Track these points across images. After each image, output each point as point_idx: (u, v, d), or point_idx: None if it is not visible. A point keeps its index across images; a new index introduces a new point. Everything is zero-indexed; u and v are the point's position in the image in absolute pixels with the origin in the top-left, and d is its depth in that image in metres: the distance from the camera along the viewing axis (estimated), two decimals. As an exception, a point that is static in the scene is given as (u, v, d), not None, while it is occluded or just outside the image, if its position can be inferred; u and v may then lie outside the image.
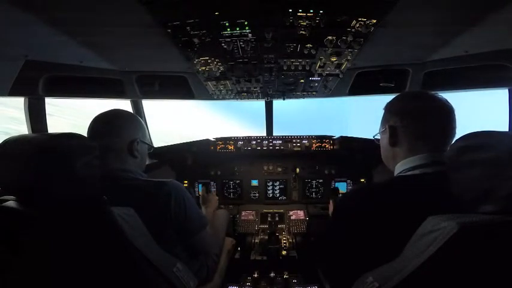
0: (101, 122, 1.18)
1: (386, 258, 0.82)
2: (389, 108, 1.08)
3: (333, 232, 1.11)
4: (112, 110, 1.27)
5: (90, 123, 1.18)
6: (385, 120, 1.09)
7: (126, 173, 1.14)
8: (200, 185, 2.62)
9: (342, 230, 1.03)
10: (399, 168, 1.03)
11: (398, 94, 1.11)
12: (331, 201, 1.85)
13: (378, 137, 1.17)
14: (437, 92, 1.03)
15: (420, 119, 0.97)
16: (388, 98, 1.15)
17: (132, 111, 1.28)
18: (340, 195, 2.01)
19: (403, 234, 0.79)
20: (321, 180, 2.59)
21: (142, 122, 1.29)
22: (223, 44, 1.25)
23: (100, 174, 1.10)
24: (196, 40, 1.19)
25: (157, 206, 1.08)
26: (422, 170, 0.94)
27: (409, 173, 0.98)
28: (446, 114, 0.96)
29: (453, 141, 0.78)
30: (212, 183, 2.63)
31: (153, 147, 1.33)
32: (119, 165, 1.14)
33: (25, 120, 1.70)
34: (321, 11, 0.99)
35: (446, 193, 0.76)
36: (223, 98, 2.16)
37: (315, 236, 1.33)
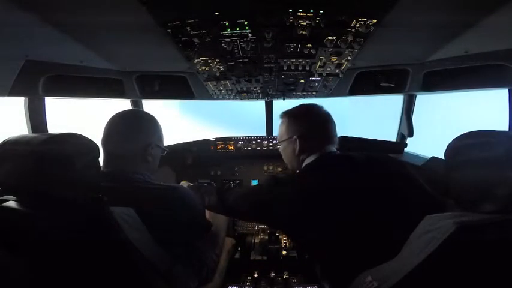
0: (118, 122, 1.19)
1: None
2: (294, 120, 1.32)
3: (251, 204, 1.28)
4: (130, 110, 1.26)
5: (107, 122, 1.18)
6: (290, 130, 1.32)
7: (137, 175, 1.14)
8: None
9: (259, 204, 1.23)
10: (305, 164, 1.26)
11: (298, 107, 1.38)
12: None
13: (279, 144, 1.39)
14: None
15: (320, 127, 1.28)
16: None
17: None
18: None
19: (320, 206, 1.04)
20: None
21: (160, 125, 1.28)
22: (223, 44, 1.25)
23: (111, 173, 1.11)
24: (196, 40, 1.19)
25: (166, 211, 1.08)
26: (324, 155, 1.23)
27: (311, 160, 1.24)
28: (331, 120, 1.32)
29: (451, 141, 0.78)
30: (213, 183, 2.63)
31: (167, 150, 1.32)
32: (130, 167, 1.14)
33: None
34: (321, 11, 0.99)
35: (349, 161, 1.17)
36: (223, 98, 2.16)
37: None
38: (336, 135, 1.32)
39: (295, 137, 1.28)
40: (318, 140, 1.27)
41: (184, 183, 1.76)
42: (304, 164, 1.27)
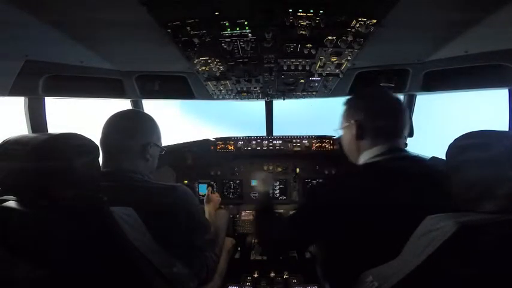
0: (117, 122, 1.19)
1: (363, 243, 0.92)
2: (353, 104, 1.19)
3: (306, 218, 1.09)
4: (129, 110, 1.26)
5: (106, 122, 1.19)
6: (349, 115, 1.18)
7: (136, 174, 1.14)
8: (200, 185, 2.63)
9: (315, 216, 1.04)
10: (364, 157, 1.12)
11: (359, 91, 1.22)
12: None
13: (340, 131, 1.26)
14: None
15: (381, 115, 1.10)
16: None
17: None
18: None
19: (373, 214, 0.90)
20: (321, 180, 2.59)
21: (158, 125, 1.28)
22: (223, 44, 1.25)
23: (110, 173, 1.11)
24: (196, 40, 1.19)
25: (167, 210, 1.08)
26: (385, 157, 1.06)
27: (373, 160, 1.08)
28: (400, 109, 1.11)
29: (452, 140, 0.78)
30: (213, 183, 2.64)
31: (165, 150, 1.32)
32: (130, 166, 1.14)
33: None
34: (321, 11, 0.99)
35: (407, 175, 0.97)
36: (223, 98, 2.16)
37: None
38: (405, 128, 1.12)
39: (353, 121, 1.13)
40: (380, 130, 1.09)
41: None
42: (362, 159, 1.12)
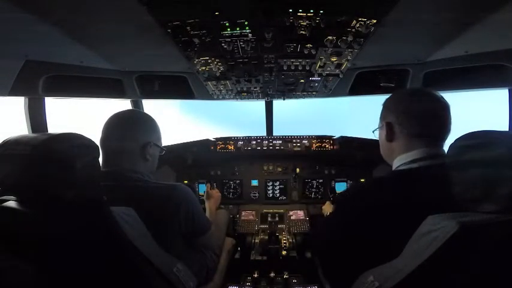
0: (117, 123, 1.20)
1: (387, 253, 0.84)
2: (386, 105, 1.14)
3: (332, 230, 1.11)
4: (128, 110, 1.27)
5: (106, 122, 1.19)
6: (382, 116, 1.14)
7: (136, 174, 1.14)
8: (200, 185, 2.63)
9: (341, 228, 1.04)
10: (397, 163, 1.06)
11: (396, 91, 1.15)
12: (328, 202, 1.87)
13: (377, 132, 1.21)
14: (437, 92, 1.04)
15: (416, 117, 1.01)
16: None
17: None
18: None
19: (403, 227, 0.80)
20: (321, 180, 2.59)
21: (158, 125, 1.29)
22: (223, 44, 1.25)
23: (110, 173, 1.11)
24: (196, 40, 1.19)
25: (167, 209, 1.09)
26: (420, 163, 0.97)
27: (406, 167, 1.01)
28: (441, 111, 1.01)
29: (453, 141, 0.78)
30: (214, 184, 2.64)
31: (165, 150, 1.33)
32: (130, 166, 1.15)
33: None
34: (321, 11, 0.99)
35: (443, 184, 0.77)
36: (223, 98, 2.16)
37: (315, 237, 1.35)
38: (445, 132, 1.00)
39: (384, 122, 1.09)
40: (414, 133, 1.01)
41: None
42: (395, 165, 1.07)
